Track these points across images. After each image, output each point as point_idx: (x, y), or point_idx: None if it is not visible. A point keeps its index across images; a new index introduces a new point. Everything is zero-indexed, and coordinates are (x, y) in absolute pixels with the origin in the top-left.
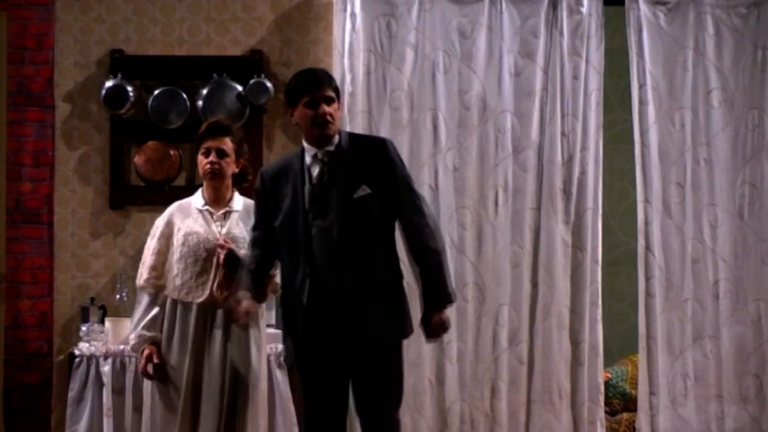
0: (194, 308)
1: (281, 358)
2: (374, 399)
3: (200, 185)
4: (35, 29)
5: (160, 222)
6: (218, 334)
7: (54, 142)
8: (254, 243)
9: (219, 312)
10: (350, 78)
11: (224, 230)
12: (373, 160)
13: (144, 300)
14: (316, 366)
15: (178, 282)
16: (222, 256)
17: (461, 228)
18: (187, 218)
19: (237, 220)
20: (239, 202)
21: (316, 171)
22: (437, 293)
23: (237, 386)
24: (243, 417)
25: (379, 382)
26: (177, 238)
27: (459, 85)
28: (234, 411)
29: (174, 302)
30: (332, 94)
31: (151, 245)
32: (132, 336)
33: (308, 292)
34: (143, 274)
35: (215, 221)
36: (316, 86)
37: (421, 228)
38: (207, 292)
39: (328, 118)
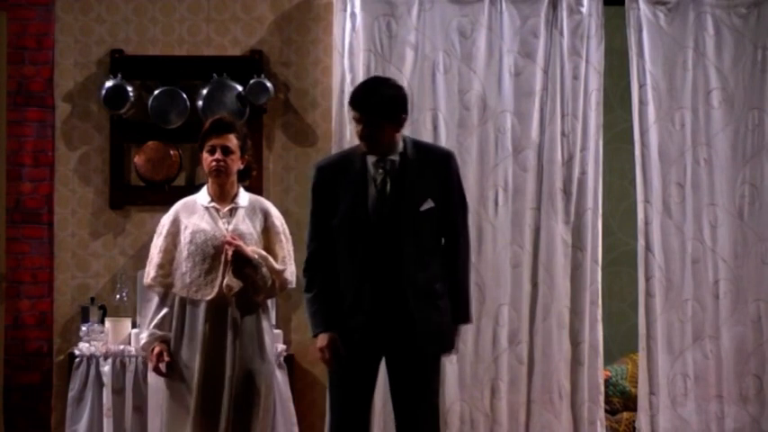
0: (203, 305)
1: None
2: (414, 410)
3: (202, 184)
4: (35, 29)
5: (166, 220)
6: (227, 331)
7: (54, 142)
8: (315, 244)
9: (229, 309)
10: (350, 78)
11: (231, 227)
12: (437, 173)
13: (153, 298)
14: (356, 371)
15: (187, 279)
16: (230, 253)
17: None
18: (193, 215)
19: (244, 217)
20: (245, 198)
21: (379, 178)
22: (458, 311)
23: (250, 382)
24: (256, 412)
25: (422, 391)
26: (184, 236)
27: (459, 85)
28: (245, 408)
29: (183, 300)
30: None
31: (158, 243)
32: (144, 335)
33: (369, 300)
34: (150, 272)
35: (221, 218)
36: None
37: (464, 248)
38: (216, 290)
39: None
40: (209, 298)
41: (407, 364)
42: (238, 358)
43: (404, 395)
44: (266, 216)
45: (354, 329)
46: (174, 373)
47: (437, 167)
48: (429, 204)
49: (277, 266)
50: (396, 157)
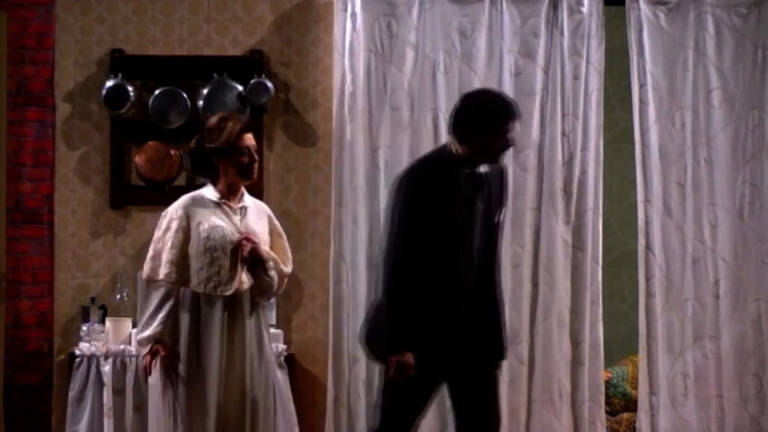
0: (220, 301)
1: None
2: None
3: (203, 184)
4: (35, 29)
5: (175, 214)
6: (241, 326)
7: (54, 142)
8: (408, 253)
9: (245, 305)
10: (350, 78)
11: (244, 225)
12: (501, 186)
13: (158, 294)
14: (427, 374)
15: (203, 275)
16: (247, 250)
17: None
18: (205, 211)
19: (253, 216)
20: (249, 198)
21: (468, 189)
22: None
23: (261, 376)
24: (267, 406)
25: (492, 401)
26: (199, 232)
27: (459, 85)
28: (259, 401)
29: (196, 296)
30: None
31: (166, 238)
32: (147, 331)
33: (451, 309)
34: (161, 268)
35: (234, 215)
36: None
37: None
38: (235, 285)
39: None
40: (228, 293)
41: (476, 373)
42: (249, 352)
43: (472, 404)
44: (269, 218)
45: (446, 342)
46: (191, 370)
47: (500, 180)
48: (500, 215)
49: (285, 269)
50: (481, 170)
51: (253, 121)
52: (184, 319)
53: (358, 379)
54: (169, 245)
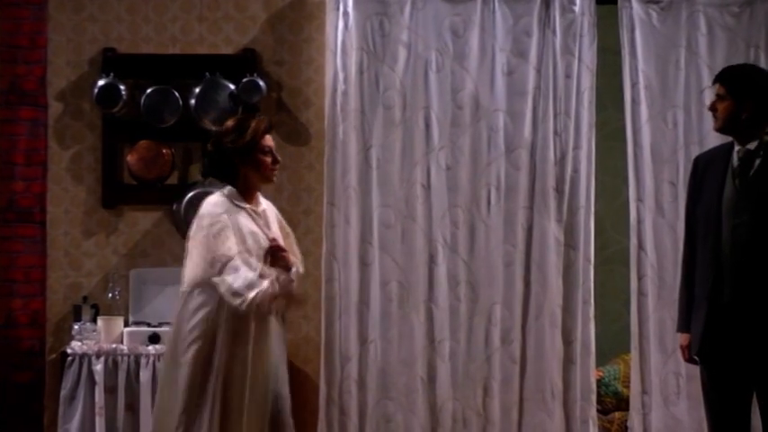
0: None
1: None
2: None
3: (195, 183)
4: (28, 27)
5: (223, 218)
6: (269, 329)
7: (47, 141)
8: (687, 238)
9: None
10: (342, 77)
11: (270, 230)
12: None
13: (242, 260)
14: (717, 367)
15: None
16: (280, 257)
17: (454, 226)
18: (238, 216)
19: (272, 219)
20: (263, 199)
21: (739, 167)
22: None
23: (284, 374)
24: (287, 407)
25: None
26: (240, 236)
27: (451, 84)
28: (282, 403)
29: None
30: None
31: (227, 239)
32: (272, 278)
33: (710, 287)
34: (230, 249)
35: (258, 219)
36: None
37: None
38: None
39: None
40: None
41: (760, 362)
42: (273, 355)
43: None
44: (279, 218)
45: (701, 321)
46: (235, 368)
47: None
48: None
49: (301, 270)
50: (753, 147)
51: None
52: (223, 323)
53: (350, 378)
54: (234, 250)
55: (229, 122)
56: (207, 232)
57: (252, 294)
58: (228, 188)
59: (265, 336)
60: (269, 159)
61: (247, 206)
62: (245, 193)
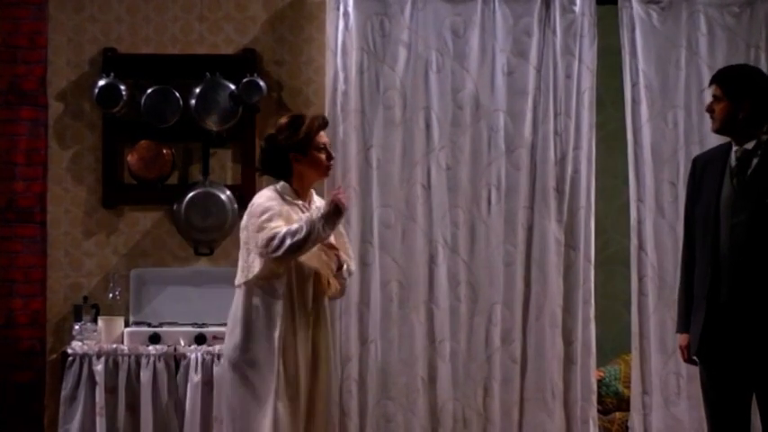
0: (310, 292)
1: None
2: None
3: (195, 183)
4: (28, 27)
5: (272, 203)
6: (319, 322)
7: (47, 141)
8: (686, 238)
9: (323, 301)
10: (343, 77)
11: None
12: None
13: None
14: (716, 367)
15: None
16: (336, 265)
17: (454, 227)
18: (290, 211)
19: None
20: (317, 197)
21: (737, 167)
22: None
23: (326, 368)
24: (326, 399)
25: None
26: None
27: (452, 84)
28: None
29: (290, 285)
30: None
31: (275, 222)
32: (311, 221)
33: (708, 287)
34: (275, 228)
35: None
36: None
37: None
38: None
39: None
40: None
41: (760, 364)
42: (311, 345)
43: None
44: None
45: (700, 321)
46: (288, 354)
47: None
48: None
49: (353, 268)
50: (750, 146)
51: (245, 120)
52: (263, 315)
53: (350, 378)
54: (275, 222)
55: (283, 119)
56: (258, 220)
57: (284, 234)
58: (282, 183)
59: (319, 323)
60: (323, 156)
61: (299, 202)
62: (298, 190)
